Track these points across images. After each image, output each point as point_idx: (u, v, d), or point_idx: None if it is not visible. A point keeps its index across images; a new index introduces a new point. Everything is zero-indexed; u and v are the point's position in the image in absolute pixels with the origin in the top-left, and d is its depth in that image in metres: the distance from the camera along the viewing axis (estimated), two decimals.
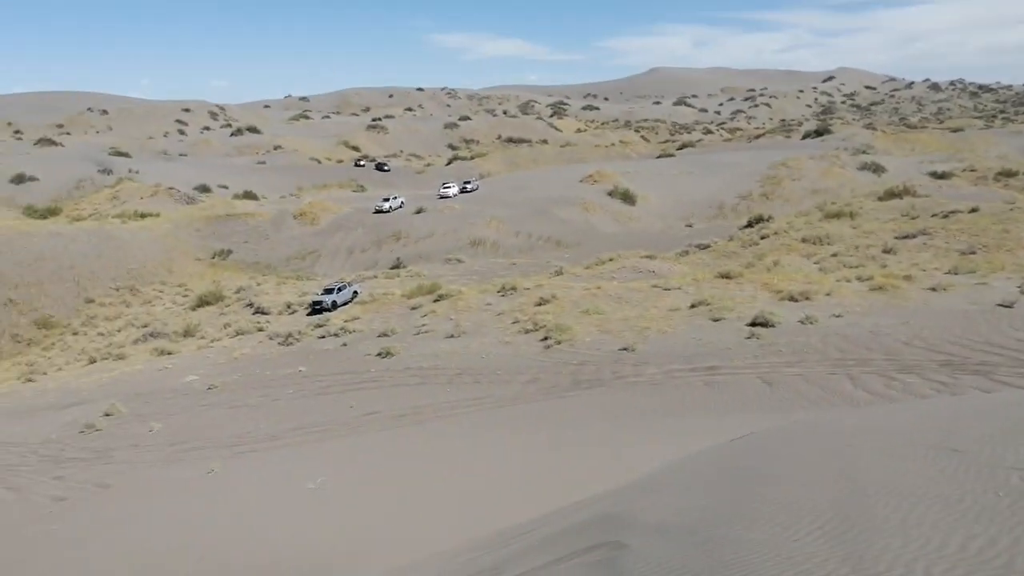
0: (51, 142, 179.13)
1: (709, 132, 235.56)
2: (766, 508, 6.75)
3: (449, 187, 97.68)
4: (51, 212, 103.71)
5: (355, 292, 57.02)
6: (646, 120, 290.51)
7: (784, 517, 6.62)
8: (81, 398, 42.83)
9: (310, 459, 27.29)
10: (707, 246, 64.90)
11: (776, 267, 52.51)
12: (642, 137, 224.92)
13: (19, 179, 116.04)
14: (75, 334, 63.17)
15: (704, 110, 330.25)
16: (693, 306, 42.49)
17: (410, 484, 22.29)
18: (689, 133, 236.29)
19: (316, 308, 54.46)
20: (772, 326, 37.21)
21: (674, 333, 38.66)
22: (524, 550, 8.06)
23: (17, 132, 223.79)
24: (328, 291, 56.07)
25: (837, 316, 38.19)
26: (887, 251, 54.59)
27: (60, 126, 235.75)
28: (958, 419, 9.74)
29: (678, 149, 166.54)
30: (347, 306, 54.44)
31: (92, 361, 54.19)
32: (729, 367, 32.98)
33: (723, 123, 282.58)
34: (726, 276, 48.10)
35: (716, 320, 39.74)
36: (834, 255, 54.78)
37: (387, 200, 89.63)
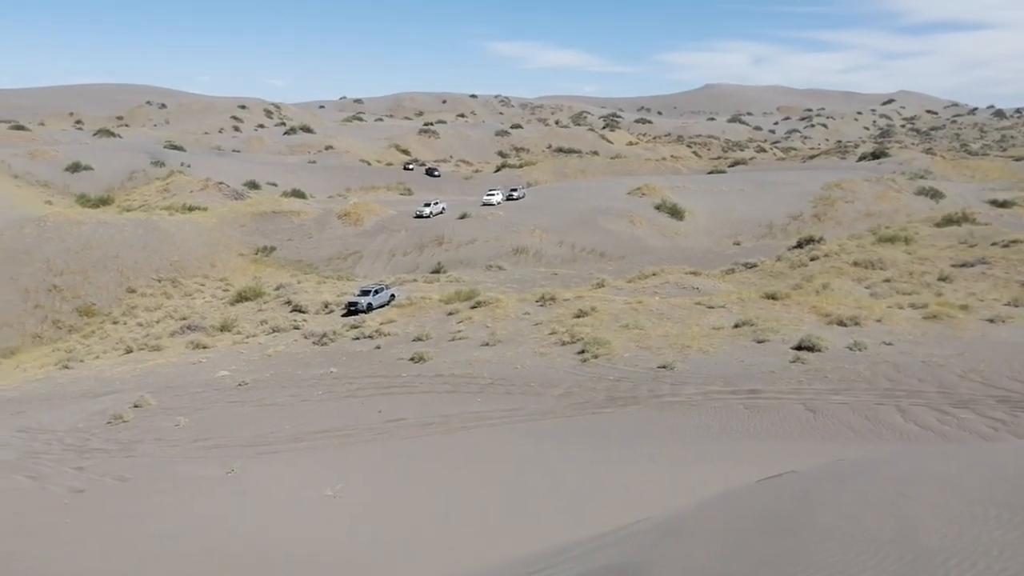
0: (109, 133, 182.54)
1: (762, 150, 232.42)
2: (809, 572, 5.69)
3: (493, 194, 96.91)
4: (103, 201, 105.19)
5: (392, 296, 56.20)
6: (699, 136, 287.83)
7: None
8: (113, 388, 42.74)
9: (331, 464, 26.54)
10: (754, 265, 63.18)
11: (825, 290, 50.72)
12: (694, 152, 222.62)
13: (75, 168, 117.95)
14: (115, 323, 63.49)
15: (758, 128, 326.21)
16: (737, 326, 41.08)
17: (429, 498, 21.38)
18: (742, 150, 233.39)
19: (351, 309, 53.81)
20: (819, 351, 35.68)
21: (716, 353, 37.31)
22: None
23: (78, 122, 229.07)
24: (365, 292, 55.37)
25: (888, 344, 36.53)
26: (943, 279, 52.46)
27: (120, 118, 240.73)
28: None
29: (730, 166, 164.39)
30: (383, 309, 53.77)
31: (129, 351, 54.30)
32: (772, 391, 31.57)
33: (777, 142, 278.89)
34: (772, 297, 46.53)
35: (760, 342, 38.30)
36: (887, 280, 52.81)
37: (428, 205, 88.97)
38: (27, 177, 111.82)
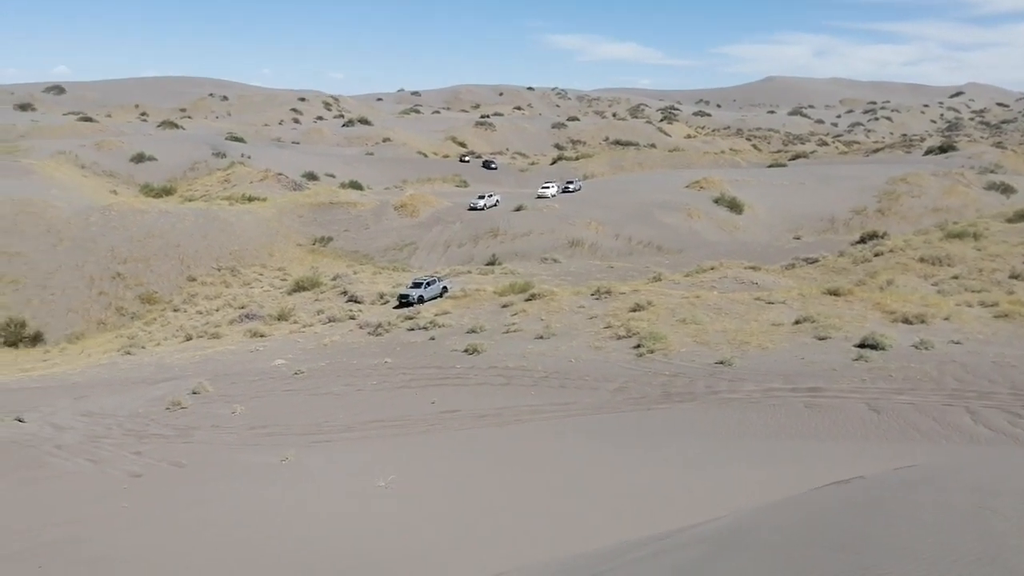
0: (173, 125, 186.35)
1: (824, 144, 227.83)
2: None
3: (548, 187, 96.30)
4: (166, 191, 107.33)
5: (445, 288, 55.97)
6: (759, 129, 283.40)
7: None
8: (173, 374, 43.44)
9: (385, 454, 26.51)
10: (815, 260, 61.74)
11: (890, 287, 49.27)
12: (753, 146, 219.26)
13: (139, 158, 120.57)
14: (175, 311, 64.66)
15: (820, 121, 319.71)
16: (797, 322, 40.08)
17: (480, 492, 21.16)
18: (803, 144, 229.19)
19: (403, 302, 53.80)
20: (883, 349, 34.60)
21: (775, 349, 36.44)
22: None
23: (143, 114, 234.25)
24: (416, 285, 55.24)
25: (956, 343, 35.27)
26: (1015, 276, 50.56)
27: (183, 110, 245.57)
28: None
29: (790, 159, 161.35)
30: (437, 300, 53.75)
31: (188, 338, 55.21)
32: (833, 390, 30.68)
33: (840, 135, 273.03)
34: (834, 293, 45.29)
35: (821, 339, 37.30)
36: (955, 277, 51.11)
37: (482, 198, 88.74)
38: (93, 167, 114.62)
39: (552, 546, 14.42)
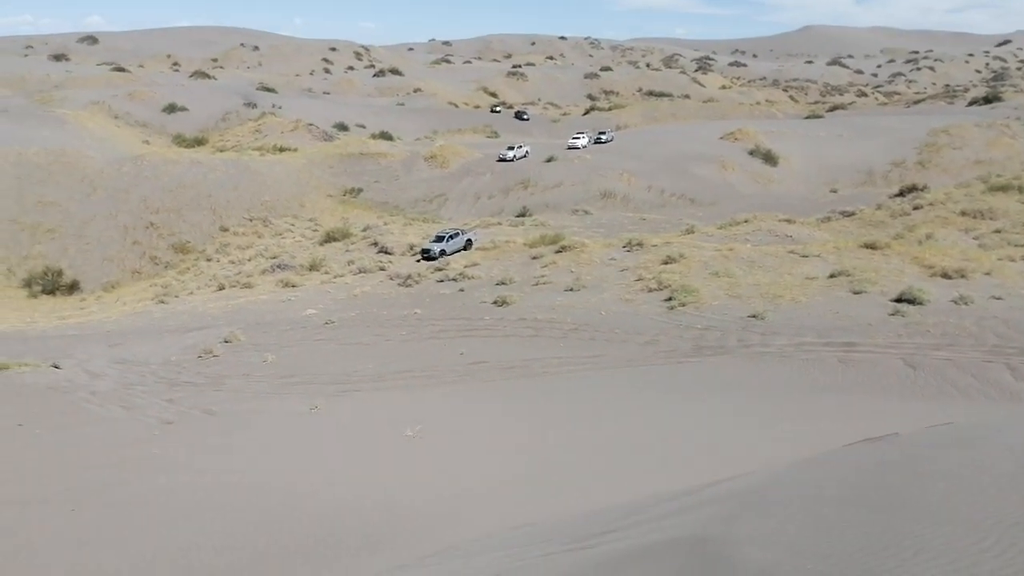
0: (204, 75, 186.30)
1: (863, 95, 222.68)
2: (920, 562, 4.99)
3: (579, 137, 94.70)
4: (198, 142, 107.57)
5: (469, 240, 54.98)
6: (796, 80, 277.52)
7: None
8: (206, 323, 43.80)
9: (412, 404, 26.56)
10: (852, 214, 60.51)
11: (929, 240, 48.20)
12: (790, 97, 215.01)
13: (171, 109, 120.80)
14: (208, 260, 65.14)
15: (860, 71, 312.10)
16: (832, 276, 39.40)
17: (507, 444, 21.11)
18: (842, 95, 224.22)
19: (425, 256, 53.17)
20: (920, 304, 33.93)
21: (809, 303, 35.88)
22: (587, 568, 6.56)
23: (175, 64, 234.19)
24: (439, 238, 54.30)
25: (997, 298, 34.48)
26: None
27: (215, 60, 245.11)
28: None
29: (828, 111, 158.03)
30: (466, 252, 53.46)
31: (221, 288, 55.62)
32: (868, 345, 30.17)
33: (880, 86, 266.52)
34: (871, 246, 44.40)
35: (857, 293, 36.65)
36: (997, 231, 49.87)
37: (511, 149, 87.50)
38: (126, 118, 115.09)
39: (579, 498, 14.30)
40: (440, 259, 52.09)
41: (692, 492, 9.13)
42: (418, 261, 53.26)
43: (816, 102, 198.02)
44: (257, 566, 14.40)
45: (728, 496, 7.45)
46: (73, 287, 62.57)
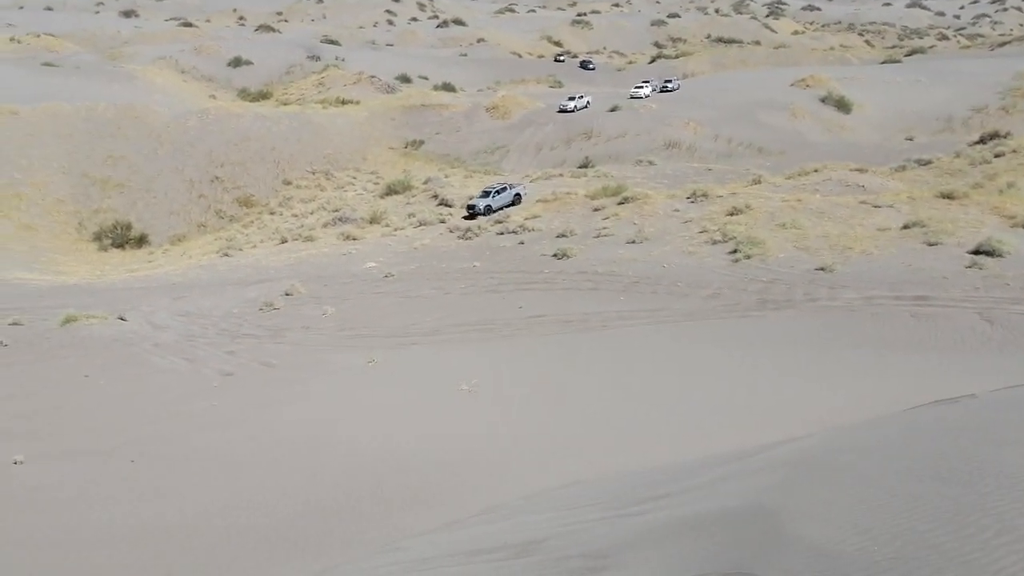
0: (270, 28, 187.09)
1: (944, 38, 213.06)
2: (1003, 544, 4.38)
3: (642, 87, 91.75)
4: (262, 96, 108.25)
5: (517, 195, 53.43)
6: (872, 23, 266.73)
7: None
8: (268, 276, 44.21)
9: (469, 358, 26.35)
10: (929, 162, 57.92)
11: (1010, 189, 45.84)
12: (866, 42, 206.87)
13: (236, 63, 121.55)
14: (272, 214, 65.72)
15: (941, 13, 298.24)
16: (906, 227, 37.76)
17: (563, 398, 20.73)
18: (921, 38, 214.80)
19: (471, 212, 51.99)
20: (1000, 256, 32.30)
21: (880, 255, 34.47)
22: (634, 536, 6.10)
23: (241, 19, 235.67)
24: (485, 193, 52.89)
25: None
26: None
27: (279, 14, 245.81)
28: None
29: (906, 55, 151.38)
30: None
31: (283, 241, 56.08)
32: (943, 298, 28.86)
33: (962, 28, 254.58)
34: (948, 196, 42.40)
35: (931, 244, 35.07)
36: None
37: (572, 99, 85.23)
38: (193, 72, 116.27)
39: (631, 456, 13.85)
40: (487, 215, 50.86)
41: (747, 455, 8.57)
42: (464, 218, 52.21)
43: (893, 46, 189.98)
44: (307, 520, 14.34)
45: (785, 462, 6.88)
46: (141, 240, 63.81)
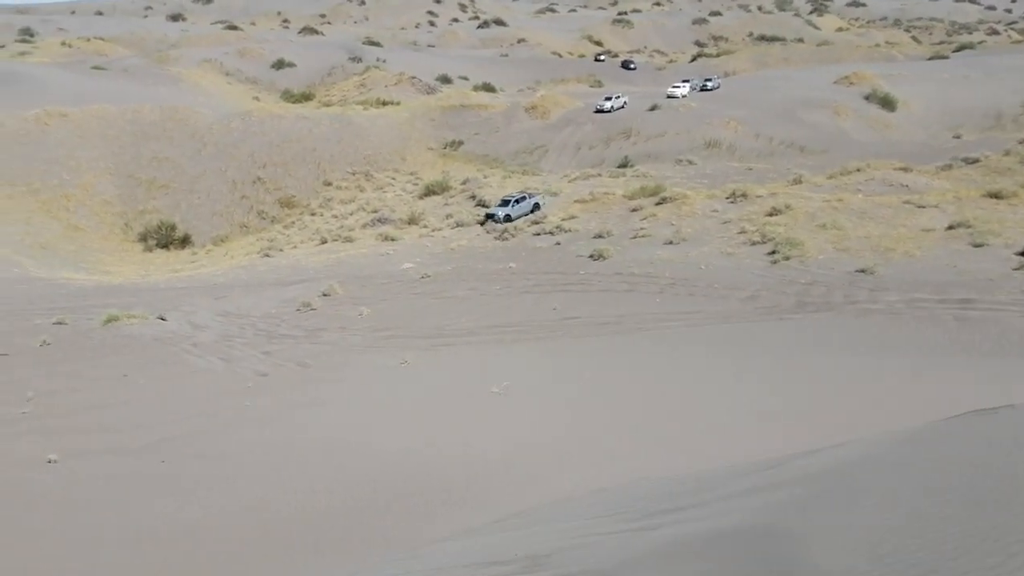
0: (313, 31, 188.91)
1: (995, 32, 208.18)
2: None
3: (679, 86, 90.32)
4: (305, 97, 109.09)
5: (536, 204, 52.41)
6: (919, 19, 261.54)
7: None
8: (306, 276, 44.51)
9: (502, 360, 26.24)
10: (976, 160, 56.51)
11: None
12: (913, 38, 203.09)
13: (279, 65, 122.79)
14: (312, 215, 66.23)
15: (992, 7, 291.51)
16: (951, 227, 36.88)
17: (594, 402, 20.52)
18: (970, 34, 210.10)
19: (489, 219, 51.07)
20: None
21: (924, 257, 33.70)
22: (641, 554, 5.90)
23: (285, 21, 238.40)
24: (505, 202, 51.91)
25: None
26: None
27: (322, 16, 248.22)
28: None
29: (954, 51, 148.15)
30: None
31: (323, 242, 56.48)
32: (988, 302, 28.10)
33: (1014, 23, 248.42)
34: (996, 196, 41.36)
35: (977, 246, 34.22)
36: None
37: (609, 99, 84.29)
38: (237, 75, 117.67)
39: (658, 462, 13.61)
40: (506, 223, 49.79)
41: (772, 466, 8.31)
42: (481, 224, 51.34)
43: (941, 42, 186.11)
44: (331, 523, 14.32)
45: (807, 476, 6.61)
46: (185, 241, 64.69)
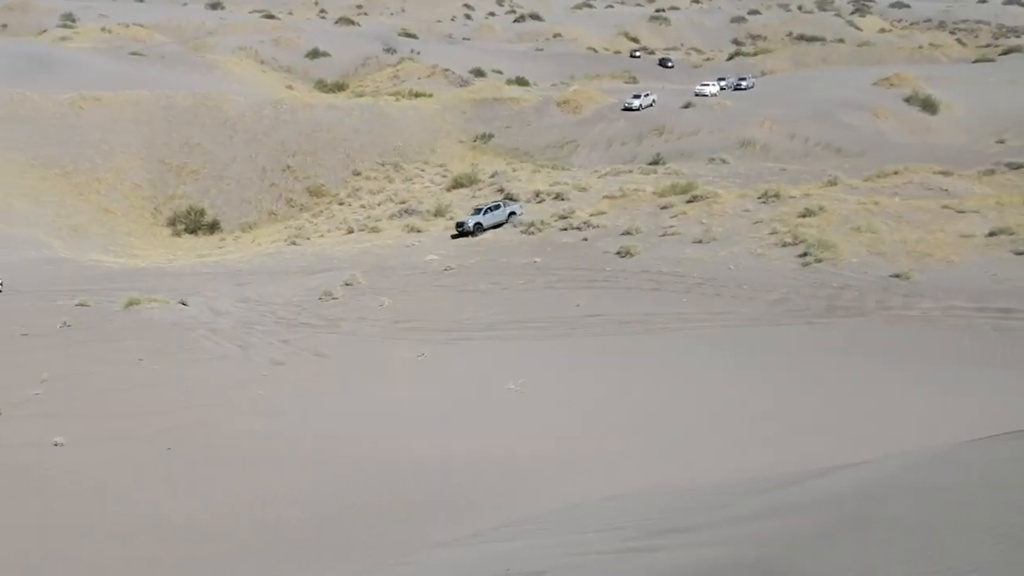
0: (349, 21, 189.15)
1: None
2: None
3: (708, 84, 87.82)
4: (338, 87, 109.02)
5: (512, 213, 50.16)
6: (965, 21, 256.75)
7: None
8: (331, 265, 44.27)
9: (520, 356, 25.70)
10: (1021, 166, 54.97)
11: None
12: (958, 40, 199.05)
13: (314, 54, 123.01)
14: (340, 204, 66.06)
15: None
16: (992, 234, 35.73)
17: (612, 403, 19.91)
18: (1018, 37, 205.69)
19: (460, 230, 49.13)
20: None
21: (962, 264, 32.66)
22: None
23: (322, 11, 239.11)
24: (477, 211, 50.12)
25: None
26: None
27: (359, 6, 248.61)
28: None
29: (1001, 54, 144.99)
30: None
31: (350, 231, 56.27)
32: None
33: None
34: None
35: (1019, 253, 33.12)
36: None
37: (637, 97, 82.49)
38: (272, 63, 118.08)
39: (670, 470, 13.00)
40: (476, 234, 48.04)
41: (791, 483, 7.69)
42: (453, 236, 49.27)
43: (987, 45, 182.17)
44: (332, 521, 13.87)
45: (827, 501, 6.00)
46: (214, 227, 64.82)
